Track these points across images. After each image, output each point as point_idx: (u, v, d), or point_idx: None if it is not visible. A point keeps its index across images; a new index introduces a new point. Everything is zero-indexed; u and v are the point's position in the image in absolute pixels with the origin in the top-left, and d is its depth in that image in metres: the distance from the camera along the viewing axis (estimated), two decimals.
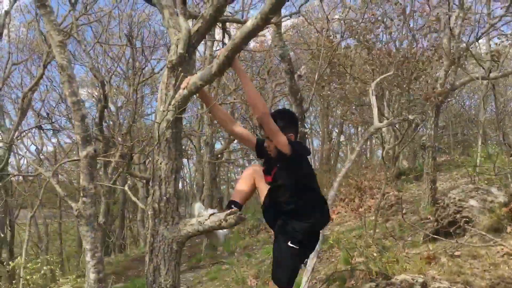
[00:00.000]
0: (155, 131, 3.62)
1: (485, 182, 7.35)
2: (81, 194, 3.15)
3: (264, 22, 2.75)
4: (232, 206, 3.34)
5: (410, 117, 5.22)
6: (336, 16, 12.40)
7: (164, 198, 3.44)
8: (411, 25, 9.95)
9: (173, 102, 3.47)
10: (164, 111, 3.58)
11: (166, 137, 3.56)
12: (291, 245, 3.11)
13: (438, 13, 7.24)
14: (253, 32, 2.88)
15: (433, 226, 5.65)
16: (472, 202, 5.12)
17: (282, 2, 2.67)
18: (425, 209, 7.95)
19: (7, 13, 11.33)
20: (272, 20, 3.44)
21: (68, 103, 3.08)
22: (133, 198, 3.71)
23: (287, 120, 3.28)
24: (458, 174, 11.04)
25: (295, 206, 3.15)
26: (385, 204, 8.23)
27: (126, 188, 3.86)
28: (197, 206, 3.48)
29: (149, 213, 3.42)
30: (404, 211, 7.57)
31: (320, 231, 3.40)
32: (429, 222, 6.62)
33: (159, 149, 3.60)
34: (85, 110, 3.12)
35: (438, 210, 5.57)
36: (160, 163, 3.58)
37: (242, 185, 3.42)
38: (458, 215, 5.11)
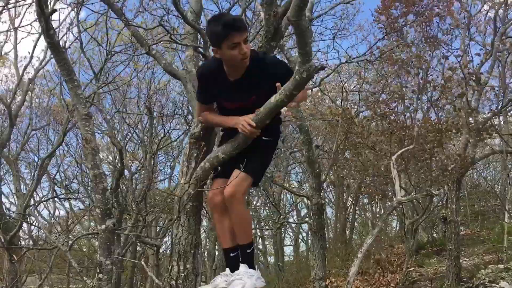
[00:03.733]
0: (175, 204, 3.55)
1: None
2: (97, 270, 3.03)
3: (288, 98, 2.72)
4: (231, 253, 3.10)
5: (435, 192, 5.10)
6: (352, 87, 12.63)
7: (182, 275, 3.30)
8: (426, 97, 10.03)
9: (194, 175, 3.42)
10: (185, 183, 3.52)
11: (186, 210, 3.49)
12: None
13: (463, 89, 7.29)
14: (277, 108, 2.85)
15: None
16: (503, 284, 4.85)
17: (307, 80, 2.66)
18: None
19: (30, 81, 11.70)
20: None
21: (90, 175, 3.04)
22: (149, 273, 3.57)
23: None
24: (481, 250, 10.66)
25: None
26: (406, 280, 7.88)
27: (143, 262, 3.73)
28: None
29: None
30: None
31: None
32: None
33: (178, 223, 3.51)
34: (106, 183, 3.08)
35: None
36: (179, 237, 3.48)
37: (222, 223, 3.13)
38: None
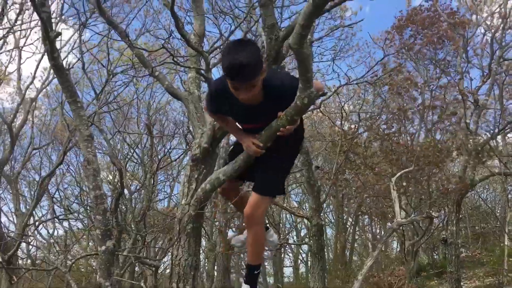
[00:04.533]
0: (176, 225, 3.55)
1: None
2: None
3: (289, 123, 2.73)
4: (255, 271, 3.02)
5: (434, 214, 5.10)
6: (351, 107, 12.71)
7: None
8: (427, 119, 10.10)
9: (195, 196, 3.44)
10: (186, 205, 3.54)
11: (186, 231, 3.49)
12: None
13: (453, 108, 7.38)
14: (278, 132, 2.85)
15: None
16: None
17: (309, 105, 2.67)
18: None
19: (33, 100, 11.77)
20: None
21: (91, 196, 3.05)
22: None
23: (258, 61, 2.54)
24: (481, 272, 10.57)
25: None
26: None
27: (142, 284, 3.71)
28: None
29: None
30: None
31: None
32: None
33: (178, 244, 3.51)
34: (107, 204, 3.09)
35: None
36: (179, 259, 3.48)
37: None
38: None
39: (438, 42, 9.33)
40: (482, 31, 10.07)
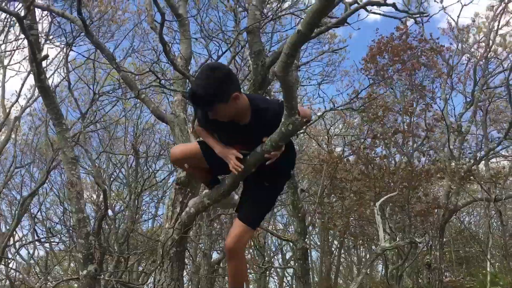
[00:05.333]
0: (159, 249, 3.53)
1: None
2: None
3: (274, 149, 2.74)
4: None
5: (418, 240, 5.14)
6: (337, 130, 12.82)
7: None
8: (410, 143, 10.21)
9: (179, 220, 3.43)
10: (169, 228, 3.52)
11: (169, 256, 3.47)
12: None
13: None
14: (263, 158, 2.85)
15: None
16: None
17: (293, 132, 2.69)
18: None
19: (16, 118, 11.64)
20: None
21: (74, 219, 3.01)
22: None
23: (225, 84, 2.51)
24: None
25: None
26: None
27: None
28: None
29: None
30: None
31: None
32: None
33: (161, 268, 3.49)
34: (90, 227, 3.06)
35: None
36: (162, 284, 3.45)
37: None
38: None
39: (414, 68, 9.46)
40: (466, 58, 10.27)
